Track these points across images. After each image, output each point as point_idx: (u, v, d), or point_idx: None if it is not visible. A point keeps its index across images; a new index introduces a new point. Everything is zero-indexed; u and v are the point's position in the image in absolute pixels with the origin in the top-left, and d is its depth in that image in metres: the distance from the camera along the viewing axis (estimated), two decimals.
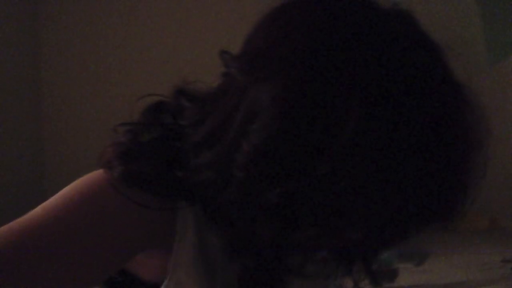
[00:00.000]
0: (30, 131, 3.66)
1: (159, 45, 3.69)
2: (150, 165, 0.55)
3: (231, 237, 0.55)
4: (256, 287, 0.55)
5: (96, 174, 0.56)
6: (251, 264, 0.54)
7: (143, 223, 0.55)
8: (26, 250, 0.50)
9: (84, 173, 0.58)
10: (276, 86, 0.49)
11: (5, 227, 0.52)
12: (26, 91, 3.63)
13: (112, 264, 0.56)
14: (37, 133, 3.71)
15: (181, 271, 0.57)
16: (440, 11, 3.42)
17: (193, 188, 0.54)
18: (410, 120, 0.48)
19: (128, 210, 0.54)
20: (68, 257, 0.52)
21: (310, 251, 0.56)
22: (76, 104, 3.74)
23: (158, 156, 0.56)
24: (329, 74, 0.48)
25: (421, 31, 0.53)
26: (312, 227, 0.51)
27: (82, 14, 3.73)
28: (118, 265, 0.57)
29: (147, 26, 3.72)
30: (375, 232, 0.52)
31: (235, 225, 0.53)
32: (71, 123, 3.74)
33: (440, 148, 0.50)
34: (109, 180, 0.54)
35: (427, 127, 0.49)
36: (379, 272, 2.24)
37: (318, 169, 0.47)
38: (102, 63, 3.72)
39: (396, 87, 0.48)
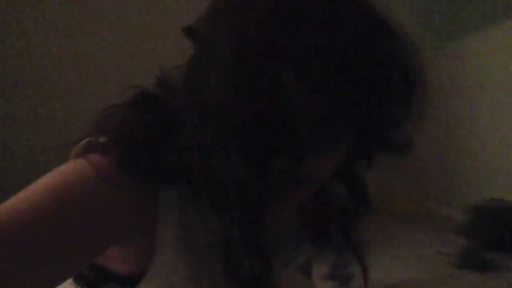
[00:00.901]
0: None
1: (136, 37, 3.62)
2: (135, 149, 0.57)
3: (216, 195, 0.57)
4: (241, 257, 0.57)
5: (79, 161, 0.57)
6: (237, 217, 0.56)
7: (126, 206, 0.57)
8: (8, 235, 0.49)
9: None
10: (230, 30, 0.54)
11: None
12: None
13: (97, 248, 0.56)
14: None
15: (166, 251, 0.60)
16: None
17: (176, 167, 0.57)
18: (348, 54, 0.53)
19: (110, 193, 0.55)
20: (51, 242, 0.52)
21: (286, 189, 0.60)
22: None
23: (142, 140, 0.58)
24: (273, 18, 0.53)
25: None
26: (278, 158, 0.55)
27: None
28: (102, 249, 0.57)
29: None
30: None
31: (218, 183, 0.56)
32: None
33: (375, 80, 0.55)
34: (93, 165, 0.55)
35: (363, 61, 0.54)
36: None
37: (272, 101, 0.52)
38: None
39: (330, 24, 0.53)
